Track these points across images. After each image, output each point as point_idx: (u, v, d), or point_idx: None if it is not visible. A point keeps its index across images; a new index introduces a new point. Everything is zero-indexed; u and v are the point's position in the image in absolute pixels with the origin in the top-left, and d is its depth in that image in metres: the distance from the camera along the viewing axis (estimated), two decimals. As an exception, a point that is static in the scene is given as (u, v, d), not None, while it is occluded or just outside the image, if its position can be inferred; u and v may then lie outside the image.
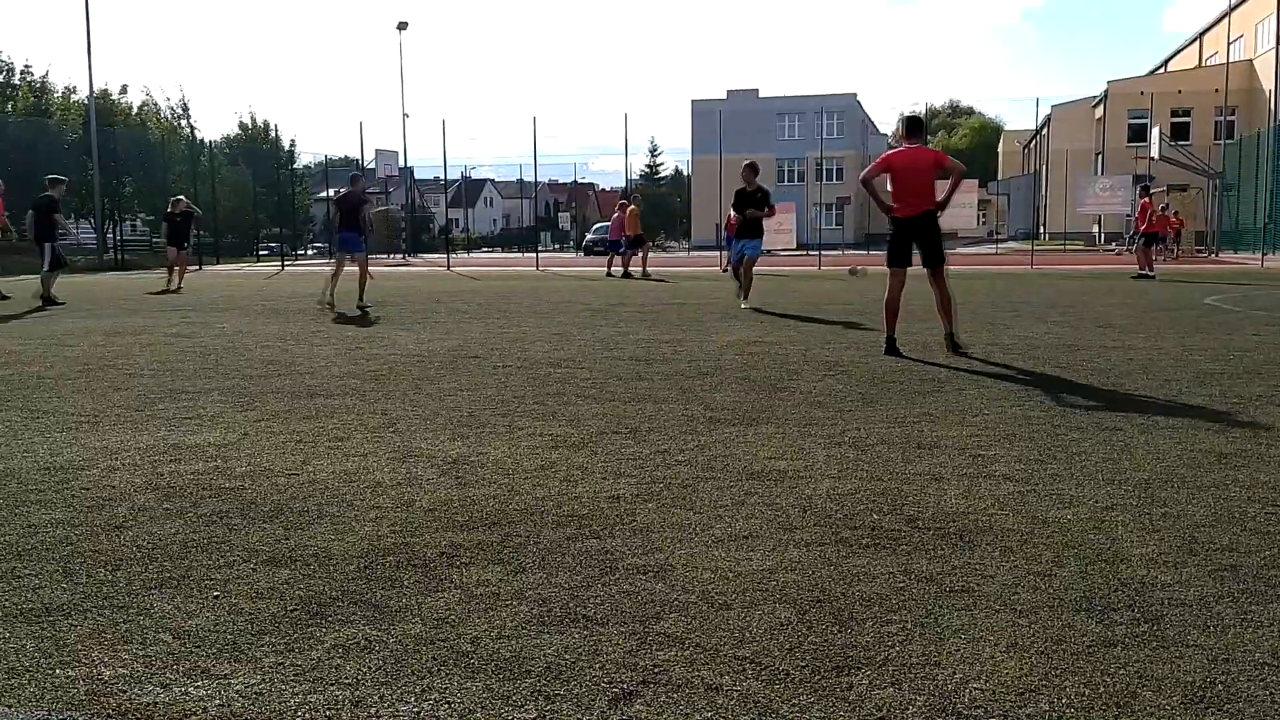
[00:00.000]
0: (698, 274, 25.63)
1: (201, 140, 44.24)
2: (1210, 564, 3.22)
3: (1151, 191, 23.50)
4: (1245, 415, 5.67)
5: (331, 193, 51.00)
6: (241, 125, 50.97)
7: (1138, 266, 22.03)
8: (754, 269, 14.65)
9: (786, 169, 63.52)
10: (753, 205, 14.12)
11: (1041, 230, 56.90)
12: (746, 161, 14.65)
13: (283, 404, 6.28)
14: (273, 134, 50.39)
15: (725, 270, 18.63)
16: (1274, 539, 3.46)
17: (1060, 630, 2.71)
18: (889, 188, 8.78)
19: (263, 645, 2.67)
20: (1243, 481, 4.22)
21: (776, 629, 2.74)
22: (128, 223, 42.49)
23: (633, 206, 25.63)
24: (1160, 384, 6.83)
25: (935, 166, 8.74)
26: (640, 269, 24.36)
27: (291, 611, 2.89)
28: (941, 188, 8.86)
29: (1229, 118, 44.19)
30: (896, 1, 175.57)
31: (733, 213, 14.74)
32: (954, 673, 2.47)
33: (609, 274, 24.65)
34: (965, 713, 2.27)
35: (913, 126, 9.30)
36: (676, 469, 4.52)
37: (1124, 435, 5.16)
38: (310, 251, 53.15)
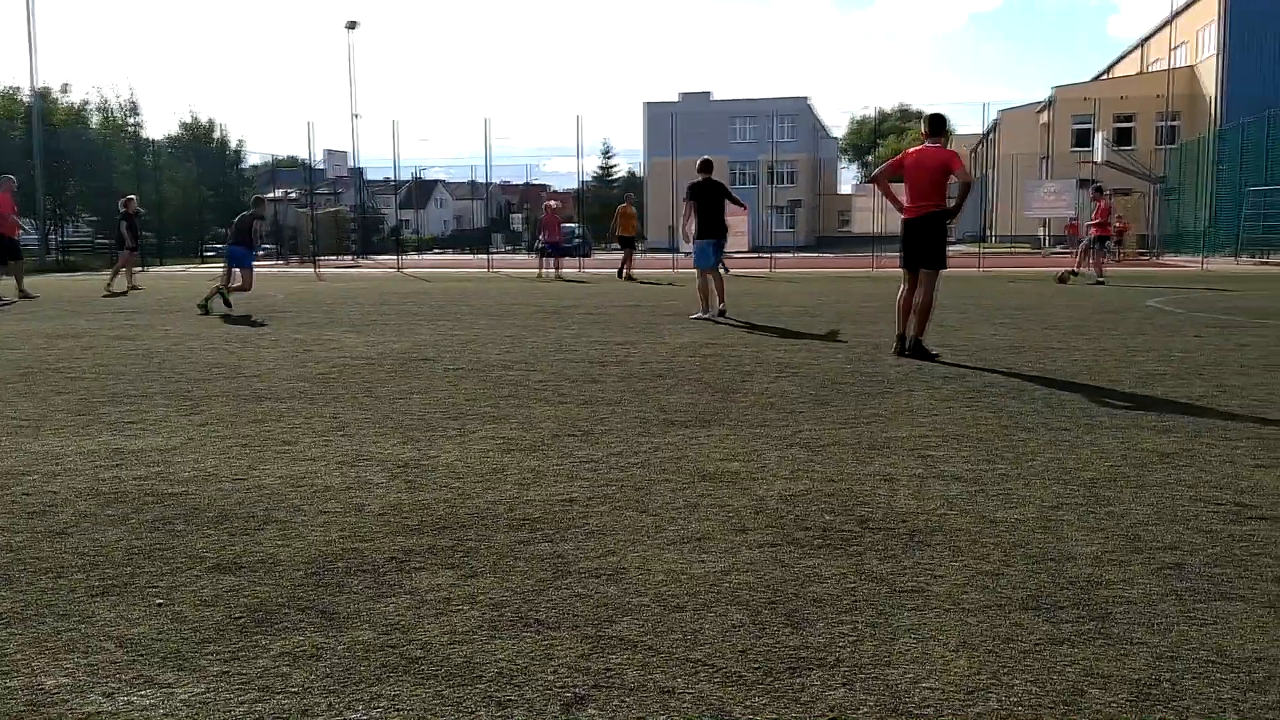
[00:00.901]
0: (653, 275, 25.65)
1: (147, 140, 43.50)
2: (1155, 562, 3.27)
3: (1106, 192, 23.45)
4: (1188, 415, 5.78)
5: (279, 193, 50.50)
6: (183, 125, 50.15)
7: (1095, 271, 21.35)
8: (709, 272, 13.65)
9: (739, 171, 63.81)
10: (712, 198, 12.98)
11: (989, 233, 57.69)
12: (702, 158, 13.62)
13: (228, 407, 6.19)
14: (218, 133, 49.66)
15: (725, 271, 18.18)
16: (1217, 537, 3.52)
17: (1009, 629, 2.74)
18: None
19: (208, 654, 2.62)
20: (1186, 481, 4.29)
21: (730, 631, 2.74)
22: (71, 224, 41.65)
23: (625, 205, 25.45)
24: (1105, 385, 6.94)
25: (944, 169, 8.55)
26: (626, 270, 24.37)
27: (237, 619, 2.84)
28: (953, 191, 8.80)
29: (1171, 123, 45.12)
30: (848, 7, 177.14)
31: (691, 204, 13.24)
32: (905, 672, 2.48)
33: (540, 276, 24.61)
34: (916, 712, 2.29)
35: (934, 125, 8.88)
36: (630, 471, 4.51)
37: (1070, 435, 5.24)
38: (258, 252, 52.48)
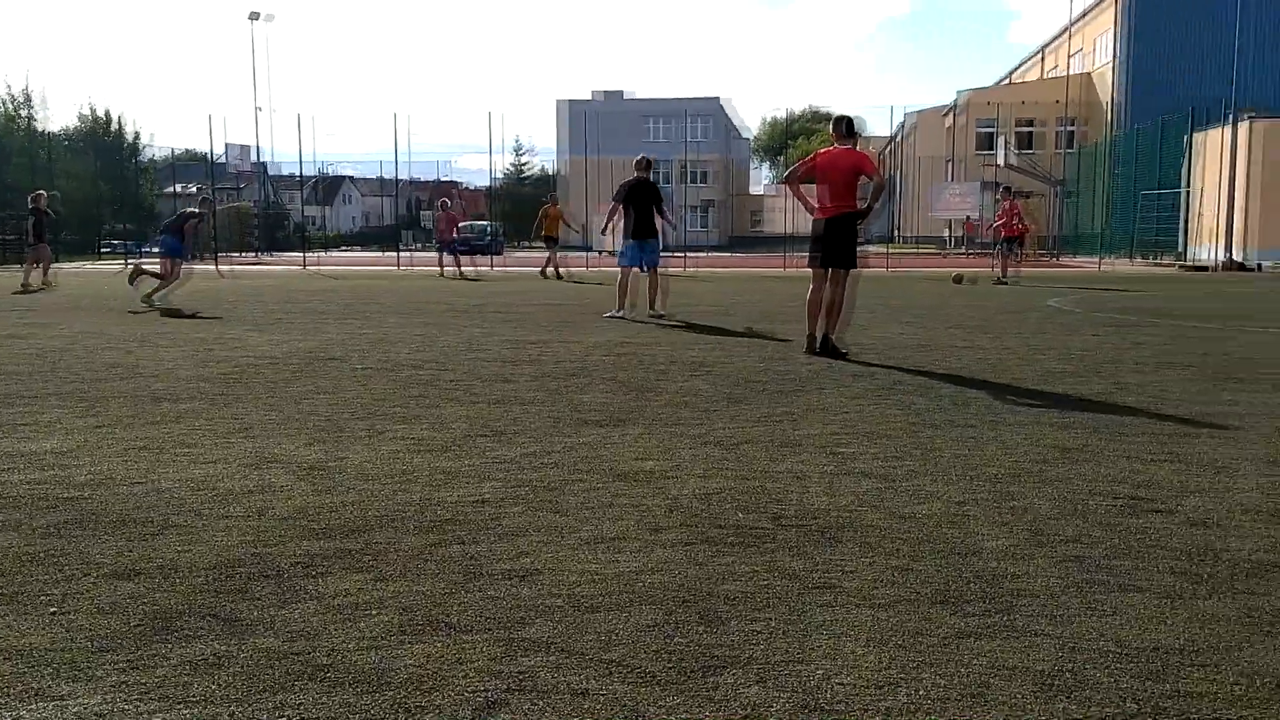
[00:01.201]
0: (580, 275, 25.56)
1: (43, 132, 41.93)
2: (1057, 555, 3.36)
3: (1013, 195, 23.72)
4: (1087, 412, 5.95)
5: (179, 187, 49.08)
6: (81, 117, 48.47)
7: (999, 271, 21.75)
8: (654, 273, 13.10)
9: (654, 171, 63.94)
10: (646, 199, 12.86)
11: (897, 233, 58.84)
12: (641, 156, 13.50)
13: (127, 409, 5.98)
14: (117, 126, 48.08)
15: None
16: (1116, 530, 3.63)
17: (918, 623, 2.78)
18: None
19: (104, 663, 2.52)
20: (1086, 475, 4.42)
21: (644, 630, 2.73)
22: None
23: (549, 205, 25.02)
24: (1009, 382, 7.11)
25: (855, 170, 8.67)
26: (553, 268, 24.04)
27: (136, 627, 2.74)
28: (865, 193, 8.95)
29: (1070, 128, 46.53)
30: (762, 8, 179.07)
31: (620, 206, 13.07)
32: (818, 668, 2.50)
33: (441, 274, 24.47)
34: (828, 708, 2.30)
35: (845, 128, 8.90)
36: (544, 471, 4.47)
37: (976, 432, 5.35)
38: (157, 249, 51.04)
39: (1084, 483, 4.29)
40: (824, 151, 8.95)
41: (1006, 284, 20.53)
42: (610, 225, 13.26)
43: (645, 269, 12.88)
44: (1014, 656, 2.57)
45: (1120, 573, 3.19)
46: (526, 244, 61.89)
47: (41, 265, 19.43)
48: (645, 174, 13.11)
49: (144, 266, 15.64)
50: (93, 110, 48.92)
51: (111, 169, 43.87)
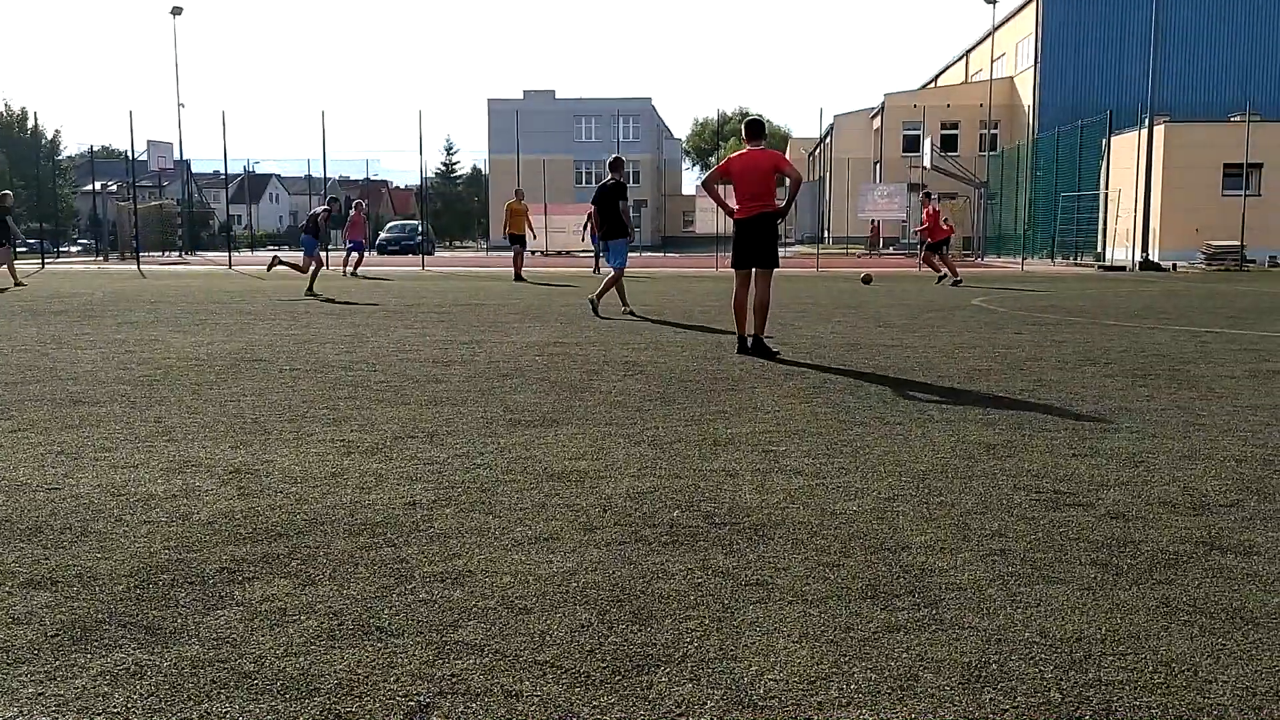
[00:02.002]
0: (498, 274, 25.42)
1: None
2: (982, 549, 3.42)
3: (934, 197, 24.03)
4: (1010, 409, 6.08)
5: (98, 185, 47.79)
6: (-7, 113, 47.01)
7: (934, 271, 21.95)
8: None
9: (584, 171, 63.93)
10: (615, 199, 13.16)
11: (826, 234, 59.54)
12: (613, 156, 13.70)
13: (41, 412, 5.80)
14: (31, 122, 46.66)
15: (597, 272, 17.62)
16: (1038, 524, 3.71)
17: (848, 618, 2.81)
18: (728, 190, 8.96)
19: (19, 675, 2.43)
20: (1009, 470, 4.51)
21: (577, 631, 2.72)
22: None
23: (513, 202, 23.75)
24: (934, 380, 7.23)
25: (773, 170, 8.81)
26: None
27: (52, 637, 2.66)
28: (782, 192, 9.09)
29: (993, 131, 47.52)
30: (688, 9, 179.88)
31: (593, 207, 13.70)
32: (750, 665, 2.51)
33: (345, 274, 24.31)
34: (761, 704, 2.32)
35: (753, 130, 9.14)
36: (475, 472, 4.44)
37: (903, 429, 5.43)
38: (75, 248, 49.62)
39: (1007, 478, 4.38)
40: (739, 154, 9.03)
41: (959, 281, 20.74)
42: (589, 228, 13.46)
43: (613, 266, 13.41)
44: (941, 649, 2.61)
45: (1042, 565, 3.26)
46: (457, 243, 61.52)
47: (9, 265, 19.80)
48: (617, 175, 13.33)
49: (282, 260, 18.74)
50: (6, 105, 47.44)
51: (26, 167, 42.58)
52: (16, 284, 18.92)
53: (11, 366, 7.72)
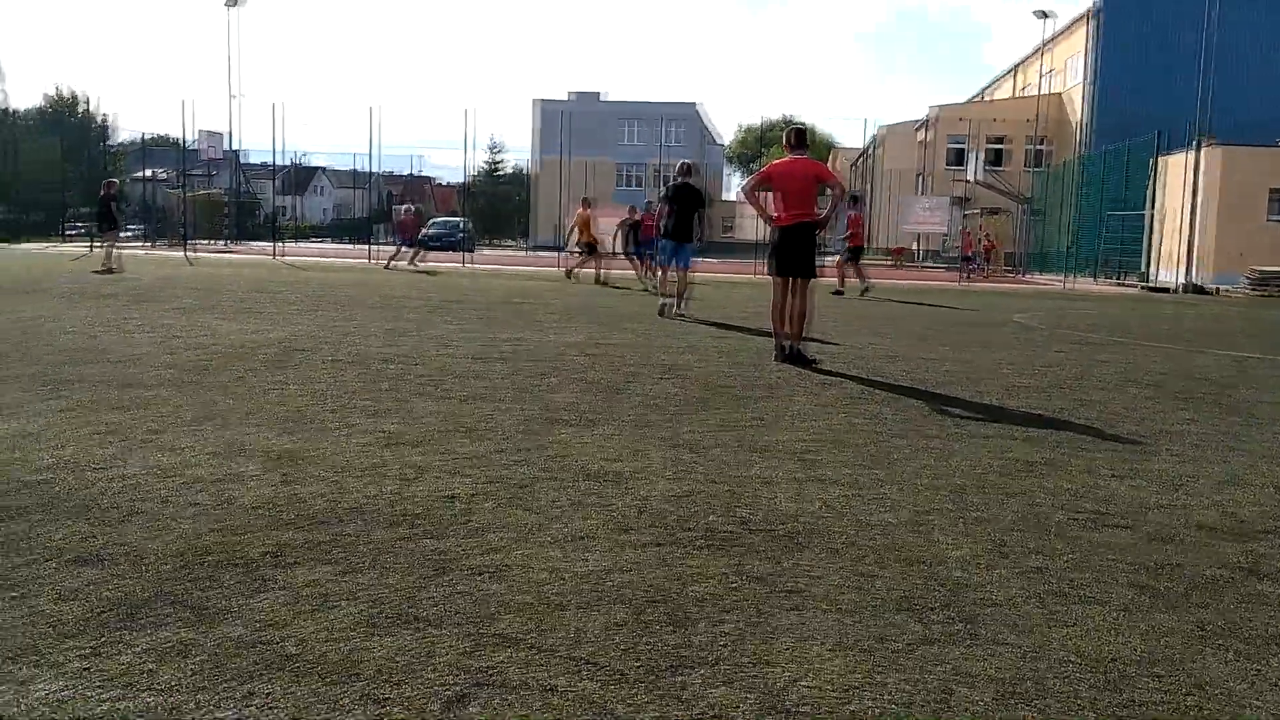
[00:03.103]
0: (539, 273, 25.55)
1: (7, 110, 41.32)
2: (1019, 566, 3.41)
3: (859, 201, 23.45)
4: (1051, 427, 6.03)
5: (149, 171, 48.52)
6: (48, 97, 47.83)
7: (855, 279, 21.16)
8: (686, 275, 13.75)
9: (626, 174, 63.99)
10: (691, 202, 13.31)
11: (867, 246, 59.13)
12: (683, 161, 13.99)
13: (92, 394, 5.92)
14: (85, 107, 47.46)
15: (649, 276, 17.69)
16: (1076, 544, 3.69)
17: (883, 629, 2.82)
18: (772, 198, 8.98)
19: (67, 649, 2.50)
20: (1049, 489, 4.48)
21: (612, 629, 2.75)
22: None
23: (581, 210, 23.41)
24: (974, 395, 7.19)
25: (816, 179, 8.84)
26: (575, 270, 23.03)
27: (100, 614, 2.72)
28: (823, 202, 9.09)
29: (1040, 147, 47.06)
30: (737, 13, 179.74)
31: (665, 207, 13.70)
32: (784, 671, 2.53)
33: (387, 267, 24.84)
34: (794, 710, 2.33)
35: (795, 139, 9.05)
36: (514, 469, 4.48)
37: (941, 443, 5.41)
38: (125, 233, 50.36)
39: (1046, 496, 4.36)
40: (781, 161, 9.04)
41: (843, 293, 19.94)
42: (661, 226, 13.83)
43: (679, 268, 13.63)
44: (976, 664, 2.61)
45: (1080, 585, 3.24)
46: (498, 241, 61.85)
47: (111, 249, 20.69)
48: (689, 177, 13.61)
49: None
50: (60, 91, 48.28)
51: (78, 151, 43.32)
52: (105, 269, 19.50)
53: (64, 348, 7.88)
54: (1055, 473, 4.81)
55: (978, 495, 4.33)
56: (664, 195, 13.88)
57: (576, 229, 23.19)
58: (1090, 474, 4.80)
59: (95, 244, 28.31)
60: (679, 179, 13.68)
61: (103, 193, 21.79)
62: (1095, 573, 3.37)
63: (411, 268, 25.29)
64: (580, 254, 23.17)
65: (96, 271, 19.01)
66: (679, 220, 13.45)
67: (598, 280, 22.24)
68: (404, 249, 26.62)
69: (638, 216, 22.30)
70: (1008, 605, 3.04)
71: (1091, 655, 2.69)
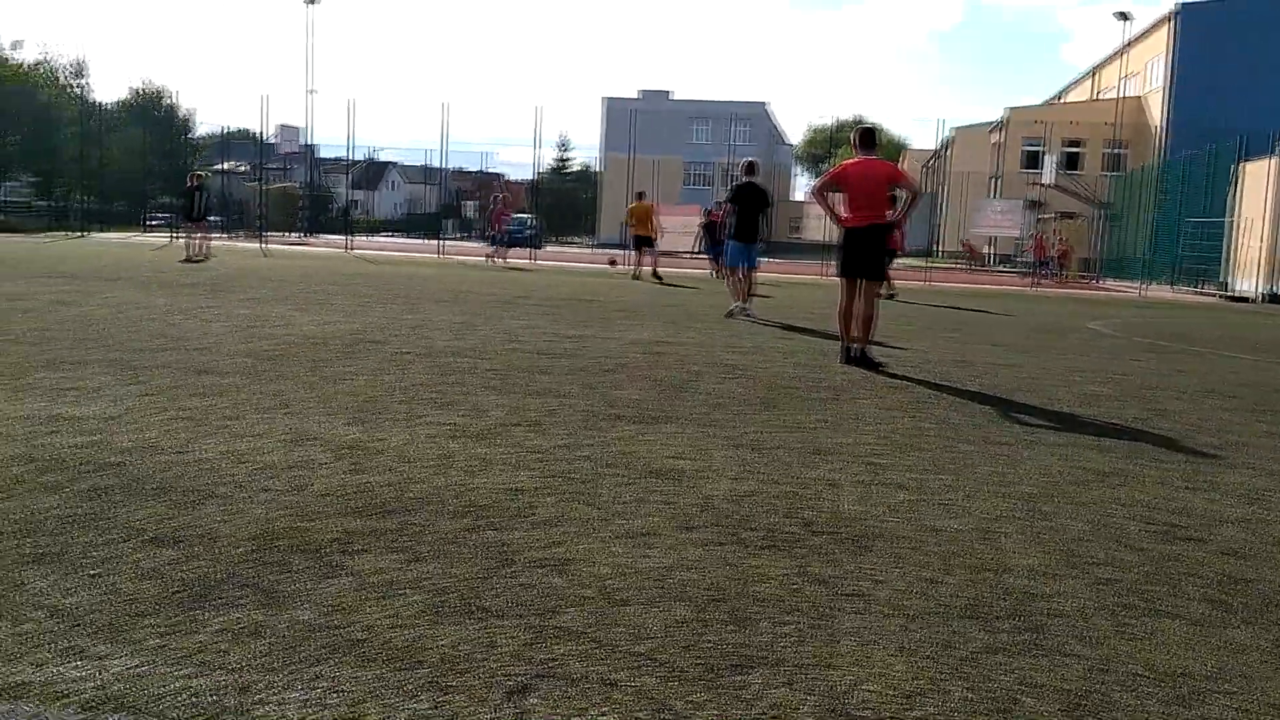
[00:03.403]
0: (606, 270, 25.63)
1: (94, 102, 42.54)
2: (1089, 577, 3.35)
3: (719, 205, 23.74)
4: (1125, 436, 5.91)
5: (228, 164, 49.60)
6: (135, 91, 49.15)
7: (715, 274, 21.83)
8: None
9: (694, 173, 63.94)
10: (756, 201, 13.31)
11: (937, 248, 58.47)
12: (747, 160, 14.01)
13: (170, 379, 6.07)
14: (168, 100, 48.68)
15: (717, 276, 17.77)
16: (1149, 555, 3.61)
17: (948, 636, 2.79)
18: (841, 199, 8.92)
19: (143, 627, 2.57)
20: (1121, 499, 4.39)
21: (673, 626, 2.75)
22: (10, 183, 40.65)
23: (640, 204, 23.45)
24: (1046, 402, 7.07)
25: (889, 180, 8.73)
26: (645, 267, 23.09)
27: (175, 593, 2.79)
28: (895, 204, 9.01)
29: (1118, 151, 46.05)
30: (810, 13, 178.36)
31: (729, 206, 13.73)
32: (846, 674, 2.51)
33: (490, 262, 25.11)
34: (855, 713, 2.31)
35: (865, 139, 8.96)
36: (578, 464, 4.50)
37: (1011, 450, 5.33)
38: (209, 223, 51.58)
39: (1119, 507, 4.27)
40: (854, 162, 8.90)
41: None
42: (726, 226, 13.87)
43: (745, 269, 13.64)
44: (1043, 674, 2.57)
45: (1152, 598, 3.17)
46: (564, 238, 62.27)
47: (196, 239, 21.84)
48: (752, 176, 13.54)
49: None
50: (146, 84, 49.57)
51: (161, 143, 44.43)
52: (190, 258, 20.42)
53: (144, 334, 8.10)
54: (1128, 483, 4.70)
55: (1048, 504, 4.26)
56: (728, 195, 13.84)
57: (635, 221, 23.07)
58: (1164, 485, 4.70)
59: (177, 234, 29.15)
60: (743, 178, 13.60)
61: (190, 184, 22.63)
62: (1167, 586, 3.30)
63: (493, 263, 25.61)
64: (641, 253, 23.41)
65: (184, 261, 19.59)
66: (746, 220, 13.42)
67: (652, 275, 22.61)
68: (497, 246, 27.11)
69: (715, 216, 22.50)
70: (1076, 616, 2.99)
71: (1162, 670, 2.63)
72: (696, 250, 23.63)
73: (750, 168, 13.71)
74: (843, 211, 8.80)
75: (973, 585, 3.21)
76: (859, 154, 8.87)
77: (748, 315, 12.95)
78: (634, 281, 21.76)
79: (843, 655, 2.62)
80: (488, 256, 25.98)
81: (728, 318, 12.84)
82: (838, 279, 9.04)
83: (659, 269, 23.07)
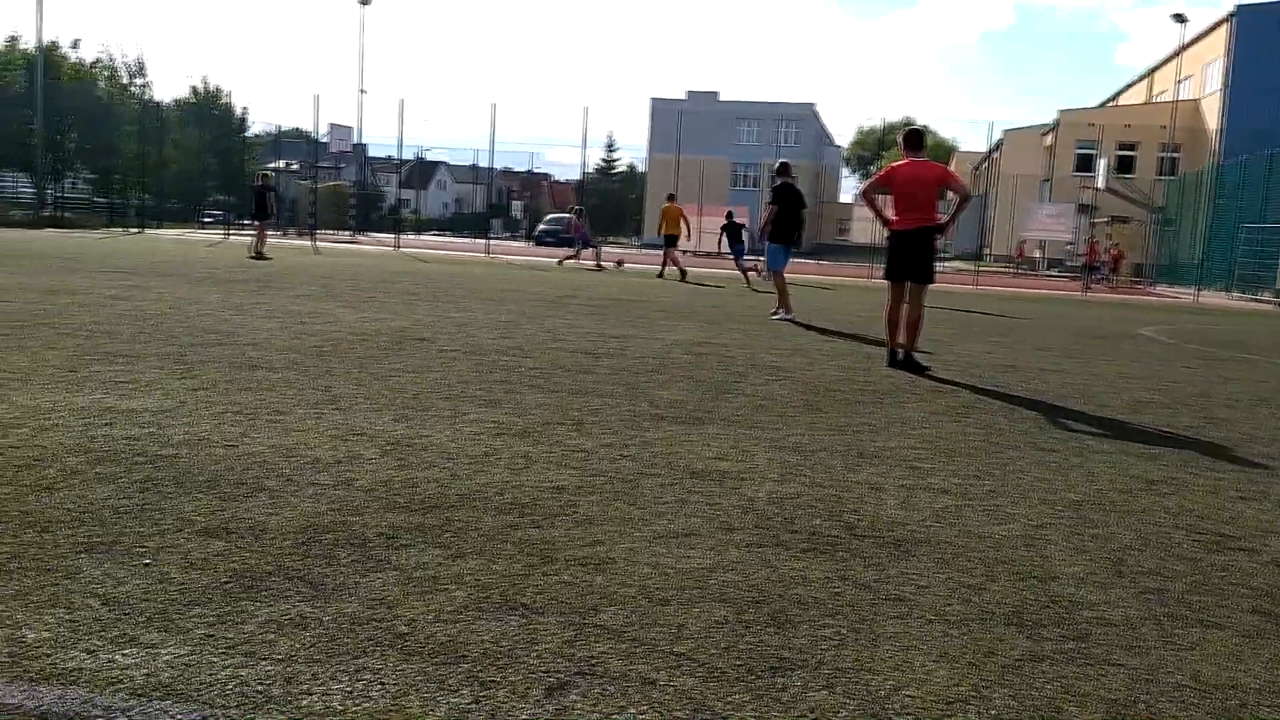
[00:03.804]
0: (650, 271, 25.66)
1: (153, 101, 43.33)
2: (1136, 586, 3.30)
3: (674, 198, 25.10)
4: (1175, 444, 5.82)
5: (281, 163, 50.33)
6: (194, 90, 50.01)
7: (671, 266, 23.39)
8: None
9: (741, 174, 63.82)
10: (796, 202, 13.29)
11: (986, 252, 57.83)
12: (780, 160, 14.07)
13: (222, 374, 6.18)
14: (225, 100, 49.46)
15: (764, 276, 17.87)
16: (1198, 565, 3.56)
17: (990, 643, 2.76)
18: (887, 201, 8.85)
19: (193, 616, 2.62)
20: (1170, 508, 4.33)
21: (713, 627, 2.76)
22: (69, 180, 41.50)
23: (670, 205, 24.75)
24: (1095, 409, 6.97)
25: (939, 183, 8.62)
26: (672, 267, 24.09)
27: (224, 584, 2.85)
28: (943, 206, 8.92)
29: (1173, 154, 45.28)
30: (859, 15, 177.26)
31: (773, 208, 13.63)
32: (886, 679, 2.50)
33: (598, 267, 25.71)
34: (895, 718, 2.30)
35: (912, 140, 8.85)
36: (620, 463, 4.52)
37: (1058, 456, 5.27)
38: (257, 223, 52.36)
39: (1168, 515, 4.20)
40: (903, 164, 8.78)
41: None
42: (766, 229, 13.81)
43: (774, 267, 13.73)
44: (1087, 683, 2.54)
45: (1200, 608, 3.13)
46: (611, 238, 62.49)
47: (263, 236, 22.73)
48: (788, 176, 13.58)
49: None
50: (205, 83, 50.40)
51: (217, 142, 45.15)
52: (255, 256, 21.08)
53: (197, 329, 8.24)
54: (1177, 492, 4.63)
55: (1095, 511, 4.21)
56: (770, 197, 13.76)
57: (665, 221, 24.39)
58: (1214, 494, 4.62)
59: (242, 231, 29.93)
60: (779, 179, 13.54)
61: (259, 183, 23.59)
62: (1216, 596, 3.24)
63: (579, 263, 26.10)
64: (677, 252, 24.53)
65: (251, 258, 20.28)
66: (789, 221, 13.39)
67: (662, 273, 23.85)
68: (586, 249, 27.69)
69: (739, 220, 23.46)
70: (1123, 625, 2.95)
71: (1209, 681, 2.59)
72: (721, 250, 24.43)
73: (784, 168, 13.69)
74: (890, 214, 8.71)
75: (1016, 592, 3.18)
76: (906, 155, 8.78)
77: (788, 319, 12.87)
78: (658, 280, 22.49)
79: (883, 660, 2.61)
80: (596, 261, 26.54)
81: (779, 317, 12.79)
82: (885, 283, 8.96)
83: (679, 266, 24.22)
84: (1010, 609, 3.03)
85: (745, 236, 24.16)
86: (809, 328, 12.13)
